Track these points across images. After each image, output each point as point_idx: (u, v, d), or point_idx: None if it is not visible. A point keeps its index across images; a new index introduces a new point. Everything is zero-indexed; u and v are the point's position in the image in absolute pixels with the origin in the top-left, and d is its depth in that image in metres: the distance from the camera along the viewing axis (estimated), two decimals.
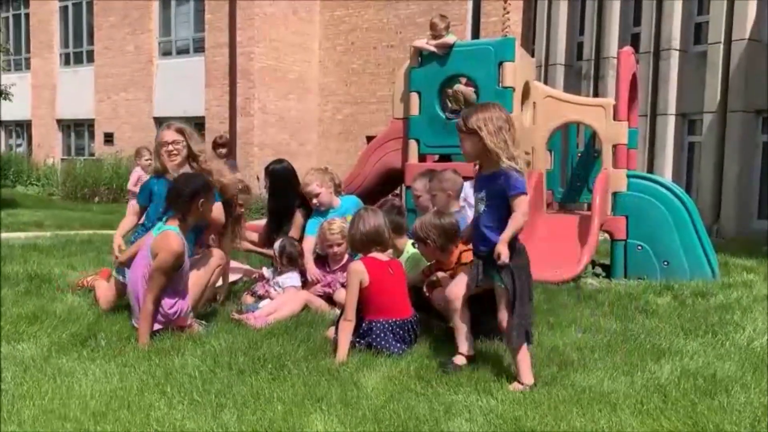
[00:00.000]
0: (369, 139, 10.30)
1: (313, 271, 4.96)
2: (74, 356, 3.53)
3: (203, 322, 4.25)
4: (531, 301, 3.40)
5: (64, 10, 19.61)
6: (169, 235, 3.92)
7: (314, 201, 5.22)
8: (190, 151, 4.66)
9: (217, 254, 4.50)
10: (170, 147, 4.61)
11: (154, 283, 3.87)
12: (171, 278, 3.94)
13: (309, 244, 5.11)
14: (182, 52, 17.05)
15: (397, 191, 8.25)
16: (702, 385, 3.21)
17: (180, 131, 4.66)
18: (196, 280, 4.25)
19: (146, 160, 8.49)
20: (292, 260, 4.97)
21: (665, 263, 6.46)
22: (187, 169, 4.65)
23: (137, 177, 8.58)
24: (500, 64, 6.23)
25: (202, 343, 3.78)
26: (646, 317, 4.77)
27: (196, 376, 3.21)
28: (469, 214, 5.64)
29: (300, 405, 2.90)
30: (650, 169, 12.14)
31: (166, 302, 3.95)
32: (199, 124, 16.70)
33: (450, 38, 6.54)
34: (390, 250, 4.17)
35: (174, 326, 4.01)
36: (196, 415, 2.79)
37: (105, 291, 4.70)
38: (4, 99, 14.70)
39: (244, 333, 4.03)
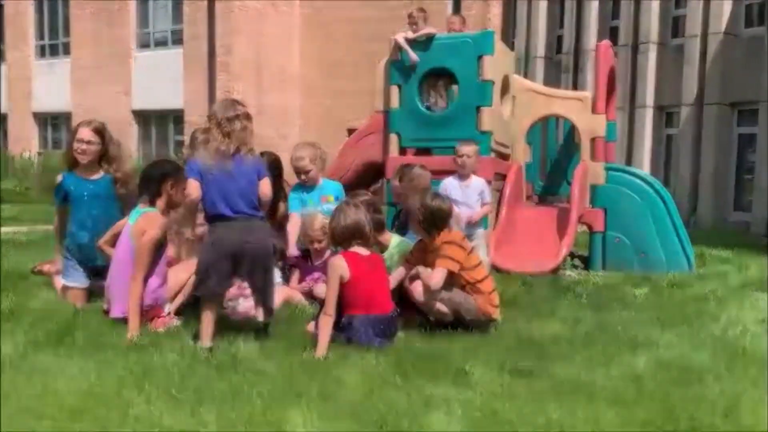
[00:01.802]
0: (350, 131, 10.25)
1: (292, 250, 4.98)
2: (51, 353, 3.50)
3: (180, 318, 4.23)
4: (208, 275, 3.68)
5: (39, 1, 19.30)
6: (153, 215, 4.10)
7: (303, 177, 5.24)
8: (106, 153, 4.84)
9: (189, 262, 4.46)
10: (84, 146, 4.72)
11: (140, 262, 3.97)
12: (153, 260, 4.04)
13: (294, 221, 5.12)
14: (160, 44, 16.87)
15: (378, 184, 8.24)
16: (677, 376, 3.26)
17: (98, 132, 4.81)
18: (174, 277, 4.26)
19: None
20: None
21: (642, 255, 6.54)
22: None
23: None
24: (480, 57, 6.24)
25: (180, 339, 3.77)
26: (624, 308, 4.83)
27: (174, 373, 3.20)
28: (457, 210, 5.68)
29: (279, 400, 2.89)
30: (628, 162, 12.26)
31: (150, 284, 4.04)
32: (177, 116, 16.57)
33: (430, 29, 6.54)
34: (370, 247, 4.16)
35: (148, 318, 4.04)
36: (175, 411, 2.77)
37: (76, 299, 4.70)
38: None
39: (223, 329, 4.01)
